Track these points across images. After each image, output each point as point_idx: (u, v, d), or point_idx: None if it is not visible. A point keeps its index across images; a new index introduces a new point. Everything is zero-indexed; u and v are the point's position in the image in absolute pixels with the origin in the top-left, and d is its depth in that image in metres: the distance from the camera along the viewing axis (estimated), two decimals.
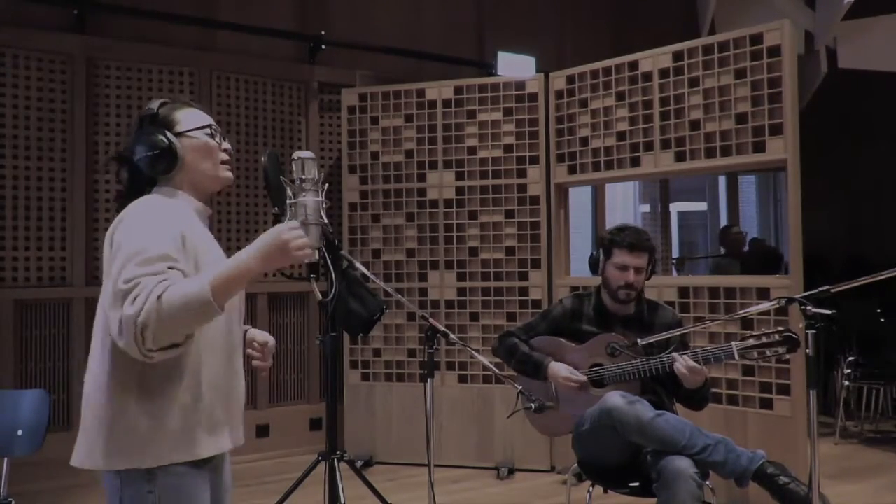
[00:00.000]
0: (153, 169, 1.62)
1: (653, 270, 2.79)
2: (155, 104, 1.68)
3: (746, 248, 6.22)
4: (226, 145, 1.73)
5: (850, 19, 5.49)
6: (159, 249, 1.46)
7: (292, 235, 1.49)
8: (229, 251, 1.63)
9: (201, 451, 1.58)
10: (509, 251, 4.37)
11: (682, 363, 2.48)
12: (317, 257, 1.65)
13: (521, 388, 2.34)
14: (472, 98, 4.45)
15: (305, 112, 4.85)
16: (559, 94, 4.34)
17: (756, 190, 8.07)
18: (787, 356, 2.59)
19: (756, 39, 3.57)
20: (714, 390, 3.34)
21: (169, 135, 1.62)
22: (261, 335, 1.86)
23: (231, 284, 1.45)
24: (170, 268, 1.46)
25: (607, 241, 2.80)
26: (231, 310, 1.67)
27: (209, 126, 1.70)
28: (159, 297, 1.38)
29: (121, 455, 1.53)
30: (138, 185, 1.67)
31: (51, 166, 4.10)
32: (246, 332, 1.85)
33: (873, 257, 5.89)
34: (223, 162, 1.72)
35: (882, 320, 5.20)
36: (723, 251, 6.20)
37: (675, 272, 6.70)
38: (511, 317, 4.30)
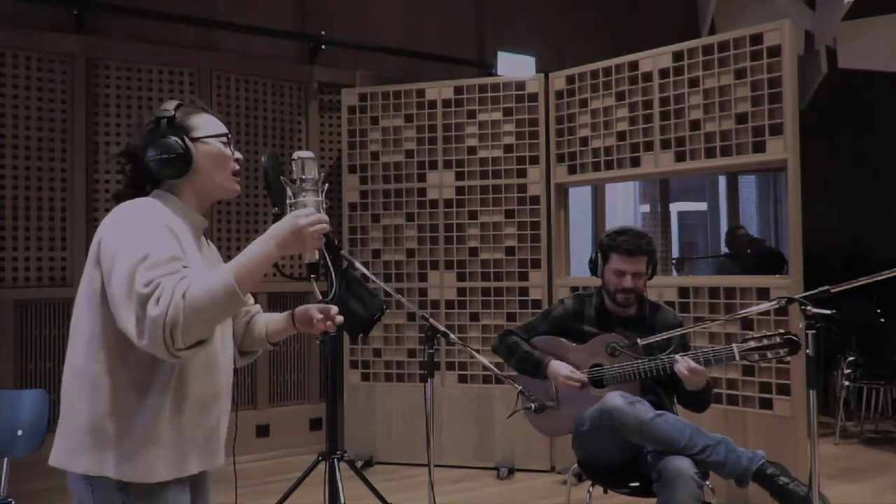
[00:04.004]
0: (164, 172, 1.59)
1: (653, 272, 2.78)
2: (171, 105, 1.63)
3: (748, 250, 6.22)
4: (237, 155, 1.70)
5: (850, 19, 5.50)
6: (167, 251, 1.44)
7: (308, 221, 1.49)
8: (229, 251, 1.63)
9: (167, 473, 1.52)
10: (509, 251, 4.37)
11: (684, 364, 2.48)
12: (317, 257, 1.65)
13: (521, 388, 2.34)
14: (472, 98, 4.45)
15: (305, 112, 4.85)
16: (559, 94, 4.34)
17: (756, 190, 8.07)
18: (788, 357, 2.59)
19: (756, 39, 3.57)
20: (714, 390, 3.34)
21: (186, 140, 1.59)
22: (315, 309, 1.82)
23: (252, 271, 1.45)
24: (184, 266, 1.45)
25: (605, 246, 2.77)
26: (215, 334, 1.61)
27: (225, 135, 1.67)
28: (184, 294, 1.36)
29: (91, 460, 1.52)
30: (140, 184, 1.64)
31: (51, 166, 4.10)
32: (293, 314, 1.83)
33: (873, 257, 5.89)
34: (234, 173, 1.69)
35: (882, 320, 5.20)
36: (725, 251, 6.20)
37: (674, 272, 6.70)
38: (511, 317, 4.29)
